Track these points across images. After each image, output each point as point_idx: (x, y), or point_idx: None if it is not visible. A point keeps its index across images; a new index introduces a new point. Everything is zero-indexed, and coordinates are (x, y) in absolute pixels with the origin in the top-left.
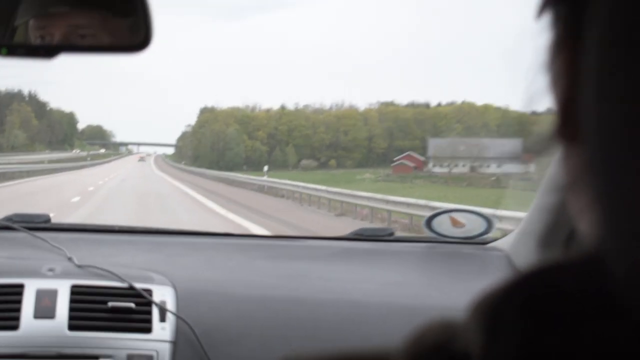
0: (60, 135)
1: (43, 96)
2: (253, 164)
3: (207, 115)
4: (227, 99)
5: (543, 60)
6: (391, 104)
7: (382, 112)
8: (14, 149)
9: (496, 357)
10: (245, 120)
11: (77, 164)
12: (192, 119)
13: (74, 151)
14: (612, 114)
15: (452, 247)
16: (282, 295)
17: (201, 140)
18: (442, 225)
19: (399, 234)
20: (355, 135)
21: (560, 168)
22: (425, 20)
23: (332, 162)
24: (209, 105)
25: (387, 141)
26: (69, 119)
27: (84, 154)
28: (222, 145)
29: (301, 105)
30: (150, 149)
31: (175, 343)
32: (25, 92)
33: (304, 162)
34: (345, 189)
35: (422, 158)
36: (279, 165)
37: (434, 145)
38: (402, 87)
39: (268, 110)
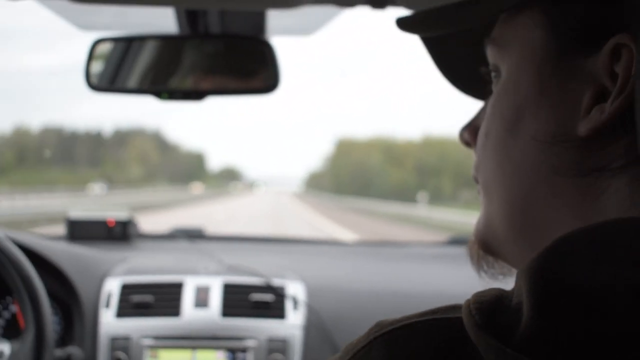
0: (185, 172)
1: (170, 135)
2: (402, 196)
3: (345, 146)
4: (361, 131)
5: None
6: None
7: None
8: (129, 182)
9: (537, 309)
10: (387, 149)
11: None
12: (317, 155)
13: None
14: None
15: None
16: (389, 289)
17: (340, 172)
18: None
19: None
20: None
21: None
22: None
23: None
24: (344, 136)
25: None
26: (198, 158)
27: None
28: (365, 175)
29: (444, 132)
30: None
31: (306, 327)
32: (149, 129)
33: (465, 193)
34: None
35: None
36: (432, 198)
37: None
38: None
39: (410, 139)
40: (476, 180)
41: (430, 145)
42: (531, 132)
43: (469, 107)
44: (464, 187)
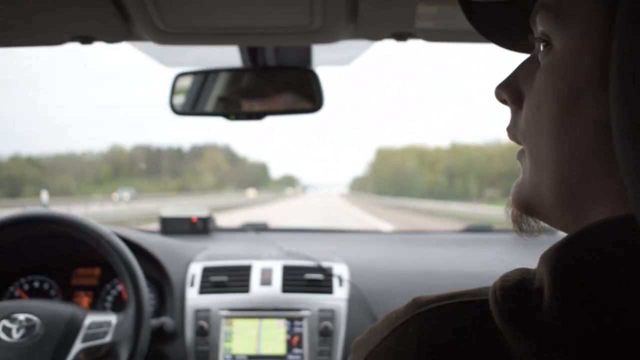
0: (251, 180)
1: (240, 149)
2: (436, 196)
3: (384, 153)
4: (398, 140)
5: None
6: None
7: None
8: (202, 190)
9: (557, 294)
10: (420, 155)
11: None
12: (360, 162)
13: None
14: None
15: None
16: (416, 269)
17: (381, 176)
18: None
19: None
20: None
21: None
22: None
23: None
24: (382, 146)
25: None
26: (262, 168)
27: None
28: (403, 178)
29: (467, 139)
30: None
31: (349, 300)
32: (219, 143)
33: (489, 192)
34: None
35: None
36: (460, 197)
37: None
38: None
39: (439, 147)
40: (517, 142)
41: (457, 152)
42: (591, 116)
43: (491, 119)
44: (488, 187)
